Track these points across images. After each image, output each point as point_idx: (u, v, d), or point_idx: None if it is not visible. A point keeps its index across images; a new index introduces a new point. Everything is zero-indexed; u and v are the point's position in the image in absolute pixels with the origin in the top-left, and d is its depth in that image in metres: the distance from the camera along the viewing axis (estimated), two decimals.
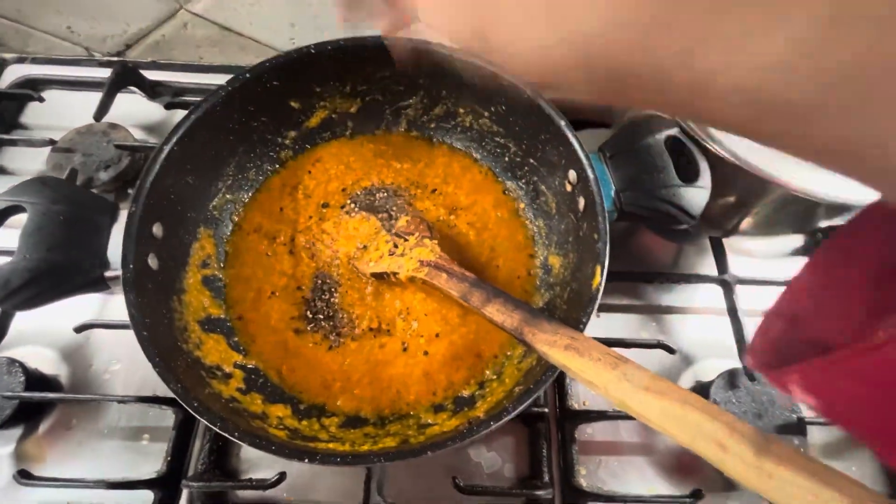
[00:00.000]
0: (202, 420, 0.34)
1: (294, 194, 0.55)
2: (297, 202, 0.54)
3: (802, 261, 0.59)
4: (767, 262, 0.61)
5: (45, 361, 0.52)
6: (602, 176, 0.45)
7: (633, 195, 0.44)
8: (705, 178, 0.44)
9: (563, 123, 0.46)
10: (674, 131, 0.45)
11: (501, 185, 0.56)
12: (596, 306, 0.39)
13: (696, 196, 0.43)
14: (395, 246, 0.50)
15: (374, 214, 0.54)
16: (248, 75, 0.47)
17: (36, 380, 0.49)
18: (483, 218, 0.54)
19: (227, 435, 0.33)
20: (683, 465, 0.50)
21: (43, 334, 0.53)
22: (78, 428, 0.49)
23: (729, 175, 0.45)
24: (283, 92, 0.51)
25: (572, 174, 0.46)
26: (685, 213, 0.43)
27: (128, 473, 0.47)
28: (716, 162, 0.45)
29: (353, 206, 0.55)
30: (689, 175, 0.44)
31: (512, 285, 0.51)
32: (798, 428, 0.48)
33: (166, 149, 0.43)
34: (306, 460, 0.33)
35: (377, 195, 0.56)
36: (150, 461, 0.47)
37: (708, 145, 0.45)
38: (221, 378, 0.43)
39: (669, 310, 0.58)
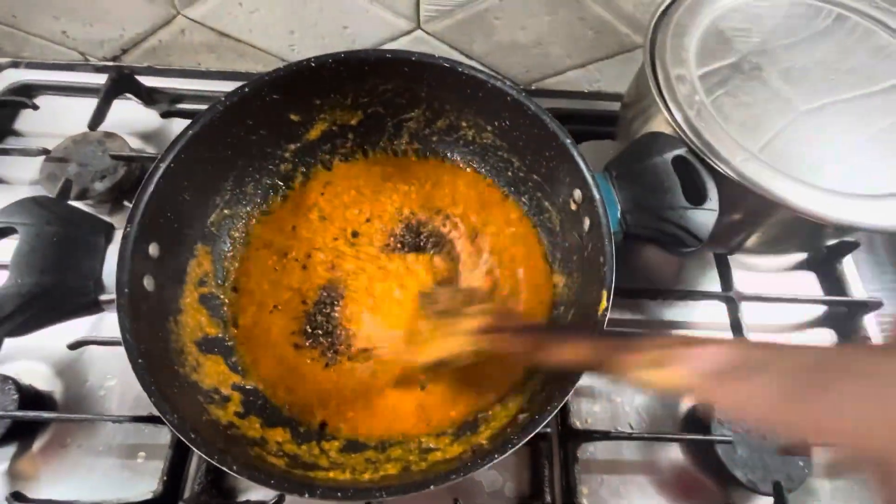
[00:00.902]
0: (199, 452, 0.33)
1: (308, 214, 0.55)
2: (312, 223, 0.55)
3: (808, 277, 0.61)
4: (772, 278, 0.60)
5: (40, 378, 0.51)
6: (608, 196, 0.44)
7: (639, 217, 0.43)
8: (713, 200, 0.43)
9: (568, 141, 0.45)
10: (681, 151, 0.44)
11: (513, 200, 0.56)
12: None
13: (704, 219, 0.42)
14: (442, 326, 0.42)
15: (417, 253, 0.53)
16: (246, 90, 0.46)
17: (30, 397, 0.48)
18: (501, 241, 0.54)
19: (225, 468, 0.33)
20: (687, 484, 0.49)
21: (37, 350, 0.52)
22: (73, 446, 0.49)
23: (736, 194, 0.44)
24: (282, 105, 0.50)
25: (577, 194, 0.46)
26: (692, 236, 0.43)
27: (124, 493, 0.46)
28: (722, 181, 0.44)
29: (389, 245, 0.54)
30: (696, 196, 0.43)
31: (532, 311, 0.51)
32: (802, 448, 0.48)
33: (162, 167, 0.42)
34: (306, 495, 0.32)
35: (407, 234, 0.55)
36: (147, 480, 0.46)
37: (716, 165, 0.43)
38: (219, 402, 0.42)
39: (674, 326, 0.57)
